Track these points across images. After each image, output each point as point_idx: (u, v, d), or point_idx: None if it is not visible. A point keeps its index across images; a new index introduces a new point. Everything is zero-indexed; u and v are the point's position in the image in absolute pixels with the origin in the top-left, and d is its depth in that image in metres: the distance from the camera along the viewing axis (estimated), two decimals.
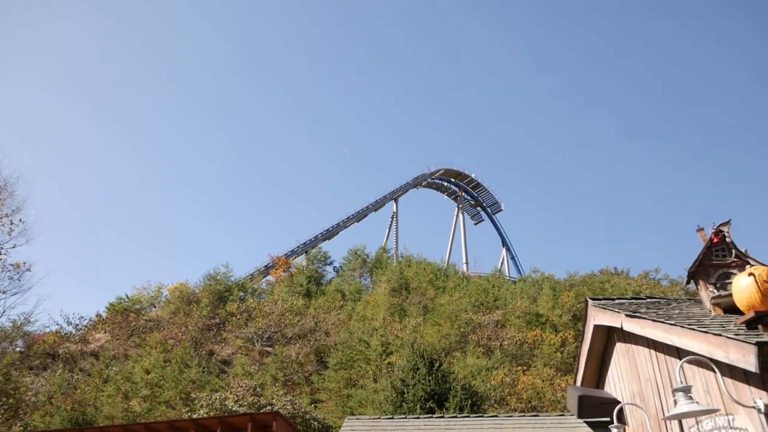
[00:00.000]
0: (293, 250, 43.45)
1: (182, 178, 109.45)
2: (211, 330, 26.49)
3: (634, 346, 5.50)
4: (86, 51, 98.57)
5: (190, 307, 28.83)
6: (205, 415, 13.86)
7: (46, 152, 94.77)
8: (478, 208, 61.73)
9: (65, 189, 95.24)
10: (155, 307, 31.99)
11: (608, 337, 6.34)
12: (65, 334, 26.43)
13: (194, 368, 21.27)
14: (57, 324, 26.87)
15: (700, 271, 4.78)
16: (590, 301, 6.33)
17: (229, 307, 28.23)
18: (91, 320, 28.55)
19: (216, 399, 15.04)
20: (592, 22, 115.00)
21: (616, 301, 6.11)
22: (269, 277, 38.29)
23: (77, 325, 27.41)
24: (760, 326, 3.63)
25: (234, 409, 14.47)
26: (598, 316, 6.02)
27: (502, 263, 56.98)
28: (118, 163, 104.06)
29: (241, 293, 32.62)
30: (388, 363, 19.72)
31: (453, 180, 59.03)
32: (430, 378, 13.50)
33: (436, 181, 58.31)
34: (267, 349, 25.41)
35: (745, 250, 4.71)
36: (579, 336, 6.79)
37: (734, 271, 4.60)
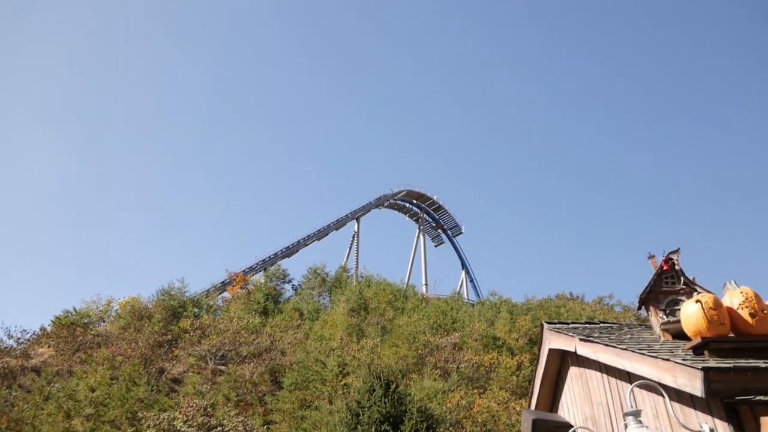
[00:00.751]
0: (252, 267, 42.78)
1: (135, 189, 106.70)
2: (163, 347, 25.64)
3: (587, 370, 5.57)
4: None
5: (142, 322, 27.87)
6: None
7: None
8: (439, 231, 62.32)
9: (7, 193, 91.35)
10: (104, 321, 30.74)
11: (562, 360, 6.40)
12: (5, 348, 25.06)
13: (143, 386, 20.47)
14: None
15: (650, 297, 4.91)
16: (546, 325, 6.39)
17: (183, 324, 27.40)
18: (34, 334, 27.19)
19: (164, 419, 14.49)
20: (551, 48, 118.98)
21: (571, 325, 6.19)
22: (226, 294, 37.46)
23: (19, 338, 26.04)
24: (706, 352, 3.74)
25: (183, 429, 13.95)
26: (553, 340, 6.08)
27: (461, 286, 57.53)
28: (68, 166, 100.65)
29: (196, 309, 31.76)
30: (345, 384, 19.45)
31: (415, 201, 59.55)
32: (386, 400, 13.37)
33: (398, 202, 58.67)
34: (220, 367, 24.74)
35: (693, 278, 4.88)
36: (534, 360, 6.86)
37: (683, 297, 4.74)
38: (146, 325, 27.35)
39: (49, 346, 26.34)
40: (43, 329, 27.87)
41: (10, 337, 25.86)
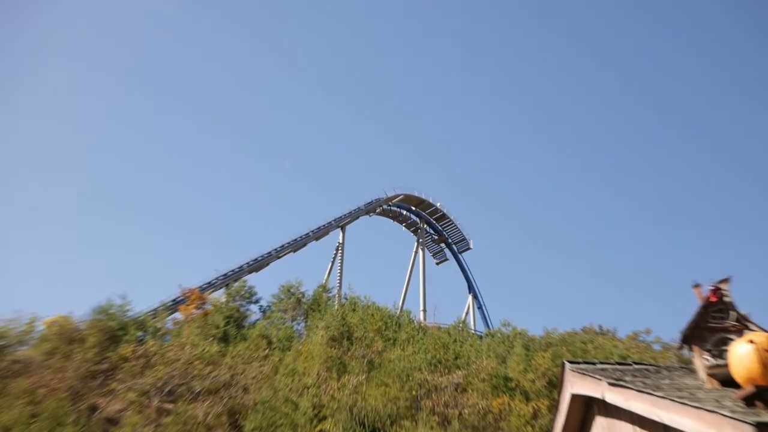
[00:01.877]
0: (211, 283, 42.61)
1: (65, 182, 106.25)
2: (97, 378, 25.43)
3: (616, 421, 5.60)
4: None
5: (72, 347, 27.61)
6: None
7: None
8: (442, 245, 62.43)
9: None
10: (25, 344, 30.48)
11: (587, 409, 6.43)
12: None
13: (70, 427, 20.32)
14: None
15: (694, 334, 4.97)
16: (568, 365, 6.42)
17: (123, 350, 27.21)
18: None
19: None
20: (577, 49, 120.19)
21: (599, 366, 6.22)
22: (177, 315, 37.25)
23: None
24: (759, 403, 3.78)
25: None
26: (577, 384, 6.11)
27: (467, 313, 57.64)
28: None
29: (140, 333, 31.56)
30: (320, 431, 19.39)
31: (414, 208, 59.54)
32: None
33: (393, 208, 58.65)
34: (167, 406, 24.59)
35: (747, 313, 4.93)
36: (554, 407, 6.89)
37: (733, 336, 4.79)
38: (77, 350, 27.09)
39: None
40: None
41: None
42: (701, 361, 4.89)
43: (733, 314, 4.88)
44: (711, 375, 4.80)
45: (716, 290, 4.93)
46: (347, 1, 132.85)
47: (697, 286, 5.10)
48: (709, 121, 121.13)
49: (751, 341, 3.98)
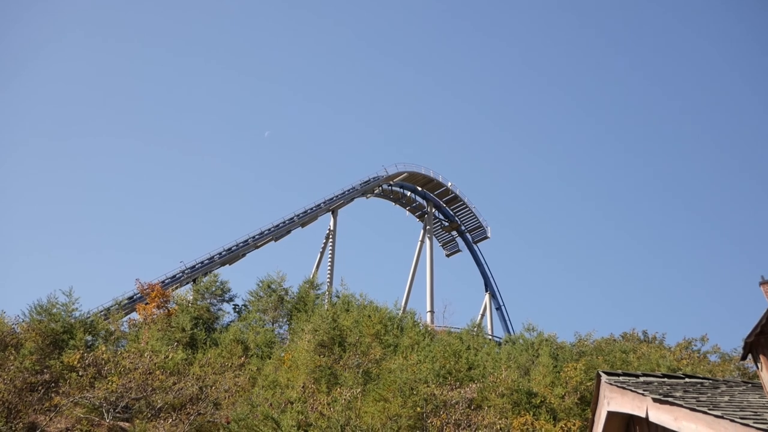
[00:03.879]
0: (175, 277, 42.69)
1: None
2: (37, 391, 25.49)
3: None
4: None
5: (6, 353, 27.69)
6: None
7: None
8: (454, 233, 62.45)
9: None
10: None
11: (628, 429, 6.40)
12: None
13: None
14: None
15: (761, 342, 4.88)
16: (604, 377, 6.38)
17: (68, 358, 27.27)
18: None
19: None
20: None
21: (642, 379, 6.18)
22: (134, 315, 37.37)
23: None
24: None
25: None
26: (615, 399, 6.07)
27: (483, 315, 57.75)
28: None
29: (89, 337, 31.66)
30: None
31: (420, 189, 59.38)
32: None
33: (395, 188, 58.52)
34: (123, 424, 24.70)
35: None
36: (587, 427, 6.90)
37: None
38: (12, 357, 27.14)
39: None
40: None
41: None
42: None
43: None
44: None
45: None
46: None
47: (765, 282, 5.00)
48: None
49: None
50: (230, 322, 38.55)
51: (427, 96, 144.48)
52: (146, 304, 36.87)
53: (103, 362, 27.14)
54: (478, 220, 61.20)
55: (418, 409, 23.11)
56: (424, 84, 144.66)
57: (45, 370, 26.68)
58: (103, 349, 29.32)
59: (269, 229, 48.74)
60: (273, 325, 37.85)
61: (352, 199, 54.55)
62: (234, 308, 40.21)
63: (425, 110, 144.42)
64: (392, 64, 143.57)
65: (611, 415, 6.28)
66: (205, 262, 44.90)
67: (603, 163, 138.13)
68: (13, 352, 27.84)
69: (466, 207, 60.53)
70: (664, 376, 6.39)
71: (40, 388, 25.69)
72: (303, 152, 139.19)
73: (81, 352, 28.10)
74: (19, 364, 26.55)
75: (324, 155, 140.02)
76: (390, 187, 57.75)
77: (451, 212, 60.91)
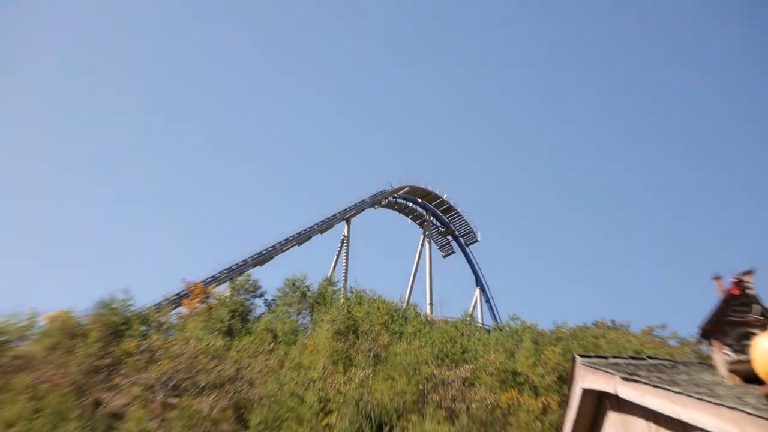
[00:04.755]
0: (215, 277, 42.73)
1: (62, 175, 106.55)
2: (101, 373, 25.52)
3: (630, 417, 5.52)
4: None
5: (74, 342, 27.68)
6: None
7: None
8: (449, 237, 62.43)
9: None
10: (27, 340, 30.58)
11: (599, 404, 6.36)
12: None
13: (74, 422, 20.39)
14: None
15: (714, 329, 4.85)
16: (579, 359, 6.35)
17: (126, 345, 27.28)
18: None
19: None
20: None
21: (611, 361, 6.14)
22: (181, 309, 37.35)
23: None
24: None
25: None
26: (588, 378, 6.04)
27: (474, 307, 57.60)
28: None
29: (144, 327, 31.65)
30: (326, 425, 19.42)
31: (420, 200, 59.52)
32: None
33: (399, 200, 58.61)
34: (172, 400, 24.66)
35: None
36: (564, 402, 6.83)
37: (756, 331, 4.67)
38: (80, 345, 27.17)
39: None
40: None
41: None
42: (722, 356, 4.78)
43: (756, 308, 4.74)
44: (732, 371, 4.68)
45: (739, 282, 4.80)
46: None
47: (717, 278, 4.97)
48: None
49: None
50: (261, 314, 38.49)
51: (425, 107, 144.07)
52: (191, 299, 36.90)
53: (155, 348, 27.18)
54: (469, 226, 61.46)
55: (420, 386, 23.05)
56: (423, 93, 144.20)
57: (107, 356, 26.74)
58: (156, 337, 29.35)
59: (293, 236, 48.86)
60: (297, 316, 37.78)
61: (363, 210, 54.72)
62: (264, 302, 40.18)
63: (422, 122, 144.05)
64: (390, 73, 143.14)
65: (585, 392, 6.26)
66: (240, 263, 45.01)
67: (579, 167, 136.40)
68: (81, 341, 27.92)
69: (459, 215, 60.79)
70: (630, 357, 6.35)
71: (103, 370, 25.78)
72: (317, 167, 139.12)
73: (137, 340, 28.13)
74: (86, 350, 26.65)
75: (335, 166, 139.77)
76: (395, 199, 57.95)
77: (447, 220, 61.04)
